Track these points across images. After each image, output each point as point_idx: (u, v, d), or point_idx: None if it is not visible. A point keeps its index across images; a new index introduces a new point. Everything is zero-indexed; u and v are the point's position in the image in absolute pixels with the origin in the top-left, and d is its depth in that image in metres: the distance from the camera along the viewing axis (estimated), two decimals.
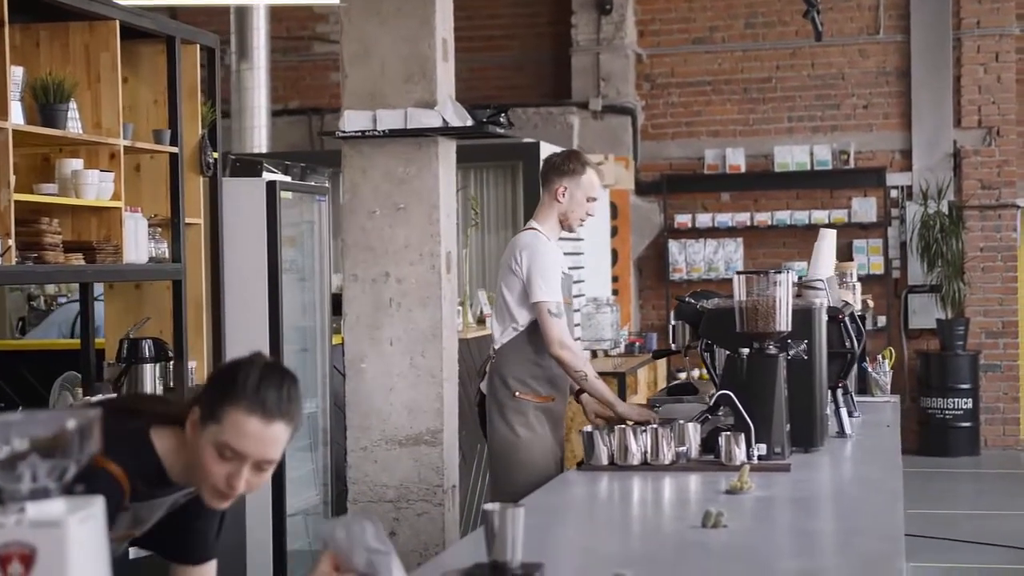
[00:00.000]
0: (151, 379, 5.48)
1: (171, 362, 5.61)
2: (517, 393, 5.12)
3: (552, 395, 5.16)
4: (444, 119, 5.74)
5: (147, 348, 5.46)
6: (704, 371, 11.67)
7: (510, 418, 5.13)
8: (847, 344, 4.96)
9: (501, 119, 6.06)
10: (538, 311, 5.05)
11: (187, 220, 5.73)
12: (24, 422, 1.78)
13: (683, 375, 11.85)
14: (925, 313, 12.29)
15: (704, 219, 12.61)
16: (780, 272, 4.35)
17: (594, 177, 5.28)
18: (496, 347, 5.22)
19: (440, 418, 5.68)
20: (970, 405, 11.96)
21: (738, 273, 4.37)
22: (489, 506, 2.67)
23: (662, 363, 11.00)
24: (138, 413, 2.64)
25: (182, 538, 2.79)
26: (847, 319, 5.01)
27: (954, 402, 11.93)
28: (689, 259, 12.67)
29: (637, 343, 11.07)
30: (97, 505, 1.79)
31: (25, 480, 1.76)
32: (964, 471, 11.50)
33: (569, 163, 5.26)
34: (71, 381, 5.72)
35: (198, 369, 5.85)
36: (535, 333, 5.09)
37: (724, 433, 4.13)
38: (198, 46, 5.85)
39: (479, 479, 7.21)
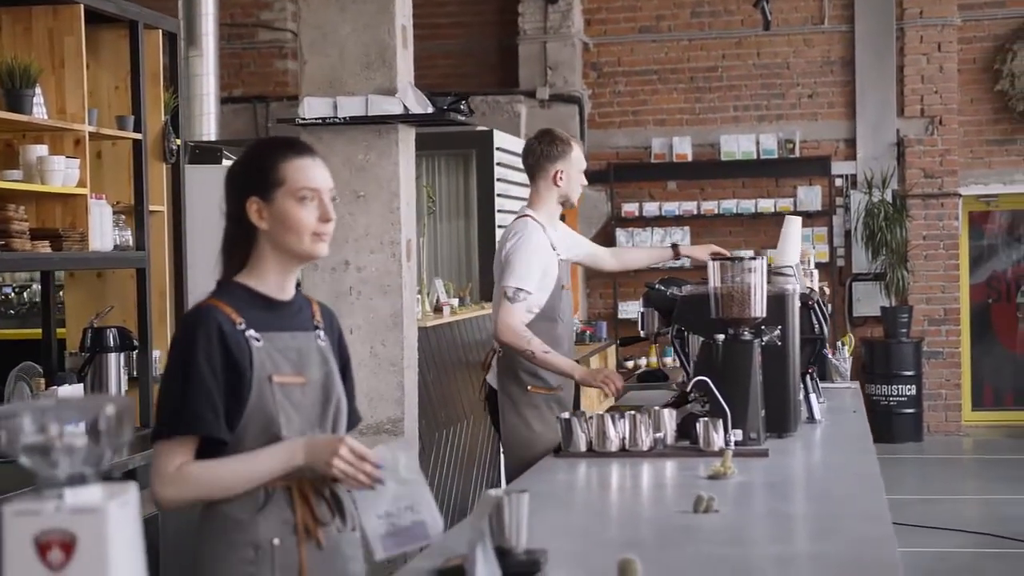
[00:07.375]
0: (116, 368, 5.40)
1: (135, 351, 5.54)
2: (529, 387, 5.08)
3: (560, 384, 5.14)
4: (405, 106, 5.71)
5: (112, 337, 5.37)
6: (655, 359, 11.75)
7: (524, 412, 5.09)
8: (816, 330, 5.00)
9: (462, 107, 6.04)
10: (498, 292, 5.04)
11: (150, 208, 5.66)
12: (60, 408, 1.76)
13: (636, 362, 11.91)
14: (869, 301, 12.41)
15: (651, 208, 12.65)
16: (755, 259, 4.37)
17: (578, 148, 5.37)
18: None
19: (401, 407, 5.66)
20: (914, 391, 12.11)
21: (713, 259, 4.39)
22: (494, 492, 2.67)
23: (611, 351, 11.05)
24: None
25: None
26: (816, 304, 5.05)
27: (898, 388, 12.08)
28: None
29: (588, 331, 11.11)
30: (132, 491, 1.77)
31: (62, 466, 1.74)
32: (908, 456, 11.63)
33: (557, 146, 5.27)
34: (28, 372, 5.62)
35: (163, 358, 5.79)
36: (541, 323, 5.04)
37: (702, 419, 4.15)
38: (160, 31, 5.78)
39: (438, 468, 7.19)
